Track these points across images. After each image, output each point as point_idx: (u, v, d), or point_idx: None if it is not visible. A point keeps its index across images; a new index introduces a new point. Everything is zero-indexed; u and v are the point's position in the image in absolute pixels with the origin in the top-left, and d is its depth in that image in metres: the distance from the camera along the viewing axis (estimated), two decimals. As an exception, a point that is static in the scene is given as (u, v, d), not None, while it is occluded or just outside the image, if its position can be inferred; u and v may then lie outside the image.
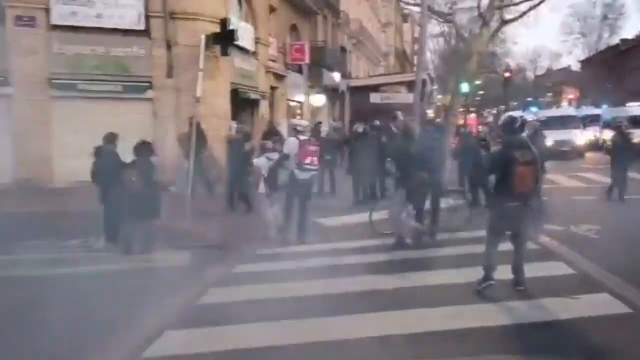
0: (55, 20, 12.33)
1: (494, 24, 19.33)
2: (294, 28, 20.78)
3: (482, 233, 7.12)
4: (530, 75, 69.48)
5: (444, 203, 8.17)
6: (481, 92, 56.86)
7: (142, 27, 12.87)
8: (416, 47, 60.47)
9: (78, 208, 8.37)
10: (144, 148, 7.17)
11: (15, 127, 12.17)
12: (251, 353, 3.76)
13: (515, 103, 63.56)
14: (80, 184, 9.59)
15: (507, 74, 17.44)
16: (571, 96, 60.40)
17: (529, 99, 62.43)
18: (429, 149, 7.53)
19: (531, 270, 5.11)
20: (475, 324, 4.14)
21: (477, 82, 47.60)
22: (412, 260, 6.34)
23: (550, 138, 19.47)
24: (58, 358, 3.56)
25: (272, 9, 17.89)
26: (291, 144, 7.45)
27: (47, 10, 12.27)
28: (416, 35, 57.67)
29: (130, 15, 12.82)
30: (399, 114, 11.01)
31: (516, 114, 6.31)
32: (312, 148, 7.46)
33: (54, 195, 10.47)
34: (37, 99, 12.20)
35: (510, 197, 4.80)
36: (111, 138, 7.53)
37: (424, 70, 19.58)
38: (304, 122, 8.33)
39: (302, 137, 7.48)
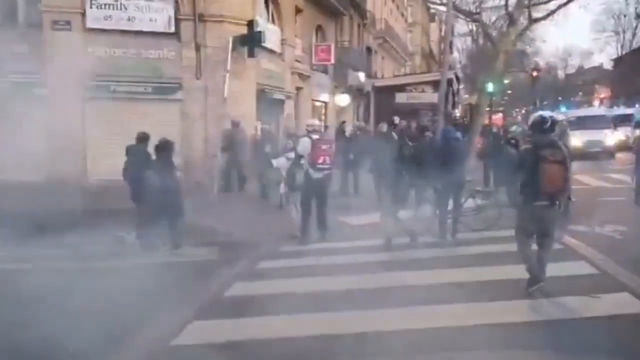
0: (90, 23, 12.79)
1: (522, 23, 19.18)
2: (319, 29, 20.95)
3: (507, 233, 7.32)
4: (561, 74, 68.20)
5: (471, 203, 8.20)
6: (509, 92, 56.31)
7: (172, 30, 13.24)
8: (443, 46, 60.17)
9: (111, 205, 8.75)
10: (164, 147, 7.31)
11: (50, 127, 12.67)
12: (273, 343, 3.93)
13: (545, 102, 62.53)
14: (113, 182, 9.96)
15: (535, 73, 17.17)
16: (603, 95, 58.81)
17: (559, 98, 61.38)
18: (447, 149, 7.53)
19: (554, 269, 5.10)
20: (497, 320, 4.21)
21: (506, 81, 46.98)
22: (440, 258, 6.41)
23: (580, 138, 19.20)
24: (94, 344, 3.77)
25: (298, 10, 18.11)
26: (304, 144, 7.51)
27: (82, 14, 12.74)
28: (443, 34, 57.30)
29: (161, 19, 13.19)
30: (396, 118, 11.05)
31: (546, 113, 6.23)
32: (324, 147, 7.49)
33: (87, 192, 10.87)
34: (71, 100, 12.67)
35: (538, 196, 4.76)
36: (143, 138, 7.82)
37: (450, 70, 19.61)
38: (316, 122, 8.37)
39: (314, 137, 7.53)
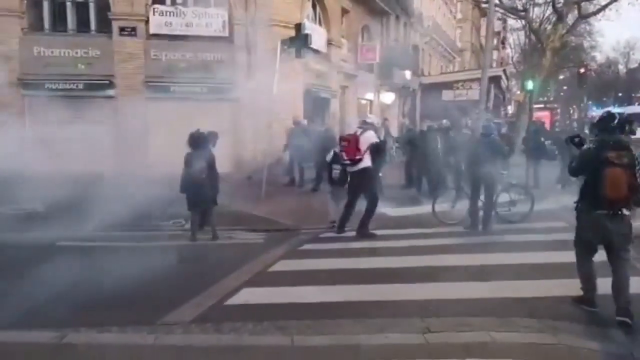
0: (153, 29, 14.02)
1: (570, 19, 18.99)
2: (365, 28, 21.51)
3: (538, 225, 7.73)
4: (622, 69, 65.12)
5: (504, 197, 8.62)
6: (565, 88, 54.48)
7: (226, 34, 14.26)
8: (495, 42, 58.90)
9: (172, 195, 9.75)
10: (197, 140, 7.41)
11: (117, 124, 13.95)
12: (308, 306, 4.67)
13: (605, 99, 59.95)
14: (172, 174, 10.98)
15: (582, 70, 16.96)
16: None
17: (619, 94, 58.67)
18: (480, 144, 8.02)
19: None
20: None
21: (561, 77, 45.61)
22: (470, 245, 7.02)
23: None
24: (164, 304, 4.66)
25: (344, 12, 18.78)
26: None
27: (146, 22, 13.97)
28: (495, 29, 56.17)
29: (216, 24, 14.25)
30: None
31: (617, 110, 6.10)
32: (343, 142, 7.85)
33: (151, 183, 11.98)
34: (135, 99, 13.91)
35: (599, 203, 4.24)
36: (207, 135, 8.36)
37: (498, 67, 19.50)
38: (371, 118, 8.87)
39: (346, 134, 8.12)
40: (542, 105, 25.04)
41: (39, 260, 5.79)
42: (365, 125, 7.99)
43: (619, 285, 4.23)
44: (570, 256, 4.72)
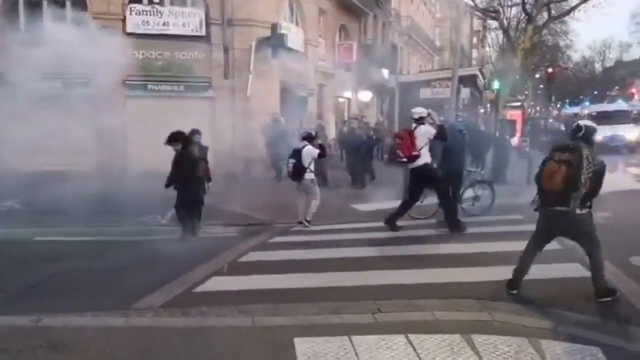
0: (130, 28, 14.17)
1: (540, 20, 19.60)
2: (343, 28, 21.87)
3: (497, 217, 8.26)
4: (598, 67, 66.74)
5: (469, 193, 9.02)
6: (541, 86, 55.67)
7: (203, 33, 14.49)
8: (475, 40, 59.80)
9: (149, 191, 9.98)
10: (172, 139, 7.51)
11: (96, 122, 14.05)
12: (271, 292, 5.03)
13: (581, 97, 61.40)
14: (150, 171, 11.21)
15: (550, 70, 17.56)
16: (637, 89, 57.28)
17: (595, 92, 60.17)
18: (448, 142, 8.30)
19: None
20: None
21: (537, 76, 46.59)
22: (429, 236, 7.44)
23: (601, 133, 19.47)
24: (137, 292, 4.98)
25: (321, 12, 19.11)
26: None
27: (123, 20, 14.13)
28: (475, 28, 57.04)
29: (192, 23, 14.47)
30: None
31: (585, 123, 6.38)
32: (397, 140, 7.87)
33: (128, 179, 12.18)
34: (114, 97, 14.03)
35: (542, 197, 4.71)
36: (192, 133, 8.30)
37: (477, 66, 19.91)
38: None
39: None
40: (518, 104, 25.63)
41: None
42: (419, 121, 7.65)
43: (592, 271, 4.71)
44: (515, 246, 5.17)
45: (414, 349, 3.63)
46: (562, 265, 5.66)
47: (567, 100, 59.38)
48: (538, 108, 58.48)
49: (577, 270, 5.48)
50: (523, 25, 20.23)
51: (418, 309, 4.44)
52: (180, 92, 14.52)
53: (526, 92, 56.34)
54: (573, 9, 18.67)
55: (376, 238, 7.40)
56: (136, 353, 3.66)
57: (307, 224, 8.39)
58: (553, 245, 5.20)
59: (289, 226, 8.56)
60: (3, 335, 3.83)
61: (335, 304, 4.56)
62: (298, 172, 8.27)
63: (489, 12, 19.63)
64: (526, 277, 5.00)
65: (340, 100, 22.15)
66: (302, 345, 3.68)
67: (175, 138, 7.51)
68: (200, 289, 5.18)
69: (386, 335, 3.85)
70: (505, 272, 5.23)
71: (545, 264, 5.24)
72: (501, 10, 21.49)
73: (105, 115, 13.50)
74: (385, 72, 25.52)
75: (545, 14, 18.28)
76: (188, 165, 7.43)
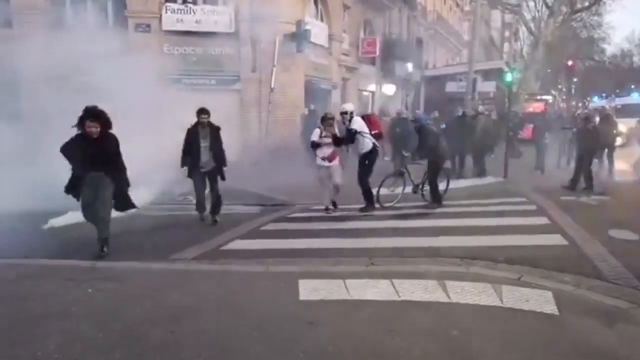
0: (166, 26, 15.28)
1: (563, 13, 19.77)
2: (367, 23, 22.55)
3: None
4: (636, 60, 65.09)
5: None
6: (575, 80, 54.82)
7: (232, 29, 15.47)
8: (507, 34, 59.22)
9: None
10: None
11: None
12: (286, 251, 5.96)
13: (617, 90, 60.13)
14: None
15: (569, 63, 17.72)
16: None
17: (632, 86, 58.76)
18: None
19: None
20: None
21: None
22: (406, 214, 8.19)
23: (624, 126, 19.61)
24: (173, 250, 5.96)
25: (346, 7, 19.87)
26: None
27: (159, 19, 15.25)
28: (506, 21, 56.52)
29: (223, 20, 15.46)
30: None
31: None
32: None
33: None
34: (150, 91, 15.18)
35: None
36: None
37: (509, 59, 19.83)
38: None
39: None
40: (541, 97, 25.77)
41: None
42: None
43: None
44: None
45: (395, 289, 4.46)
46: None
47: (604, 95, 58.22)
48: (573, 102, 57.56)
49: (559, 239, 6.23)
50: (545, 18, 20.42)
51: (406, 263, 5.26)
52: (211, 85, 15.55)
53: (559, 86, 55.64)
54: (596, 2, 18.80)
55: (383, 214, 8.23)
56: (171, 284, 4.62)
57: (334, 208, 8.56)
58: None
59: (310, 205, 9.41)
60: (68, 270, 4.88)
61: (336, 259, 5.44)
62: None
63: (510, 5, 19.90)
64: (507, 244, 5.81)
65: (364, 93, 22.88)
66: (304, 284, 4.55)
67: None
68: (224, 247, 6.17)
69: (374, 279, 4.69)
70: (475, 240, 6.05)
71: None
72: (525, 3, 21.74)
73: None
74: (410, 66, 26.08)
75: (564, 8, 18.51)
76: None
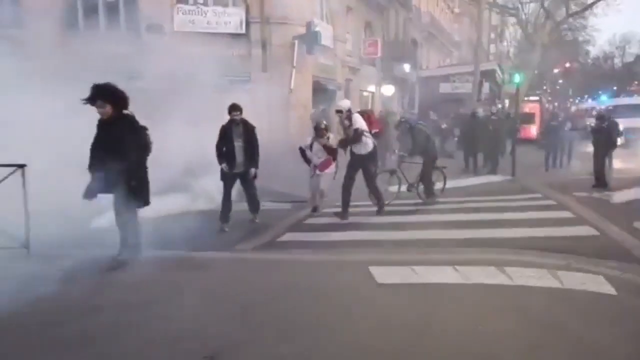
0: (177, 27, 15.47)
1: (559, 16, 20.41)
2: (368, 25, 23.00)
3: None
4: (617, 62, 66.89)
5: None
6: (560, 81, 56.20)
7: (243, 31, 15.74)
8: (492, 35, 60.28)
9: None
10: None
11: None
12: (330, 242, 6.43)
13: (600, 92, 61.72)
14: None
15: (567, 65, 18.33)
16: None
17: (614, 87, 60.39)
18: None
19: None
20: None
21: (555, 71, 47.15)
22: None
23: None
24: (235, 242, 6.30)
25: (348, 9, 20.26)
26: None
27: (171, 20, 15.43)
28: (493, 23, 57.54)
29: (234, 22, 15.73)
30: None
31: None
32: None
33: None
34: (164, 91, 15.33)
35: None
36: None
37: (495, 61, 20.55)
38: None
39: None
40: (536, 98, 26.51)
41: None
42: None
43: None
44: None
45: (459, 273, 4.81)
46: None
47: (586, 96, 59.71)
48: (556, 103, 58.91)
49: (589, 230, 6.68)
50: (541, 21, 21.01)
51: (459, 253, 5.64)
52: (222, 86, 15.75)
53: (544, 87, 56.87)
54: (591, 5, 19.47)
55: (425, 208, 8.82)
56: (260, 270, 5.05)
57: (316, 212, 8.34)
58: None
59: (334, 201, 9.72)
60: (160, 261, 5.18)
61: (366, 249, 6.01)
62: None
63: (507, 9, 20.46)
64: (542, 235, 6.28)
65: (365, 94, 23.30)
66: (375, 270, 4.88)
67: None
68: (279, 239, 6.60)
69: (438, 266, 5.04)
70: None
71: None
72: (520, 6, 22.33)
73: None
74: (407, 67, 26.57)
75: (562, 10, 19.13)
76: None
